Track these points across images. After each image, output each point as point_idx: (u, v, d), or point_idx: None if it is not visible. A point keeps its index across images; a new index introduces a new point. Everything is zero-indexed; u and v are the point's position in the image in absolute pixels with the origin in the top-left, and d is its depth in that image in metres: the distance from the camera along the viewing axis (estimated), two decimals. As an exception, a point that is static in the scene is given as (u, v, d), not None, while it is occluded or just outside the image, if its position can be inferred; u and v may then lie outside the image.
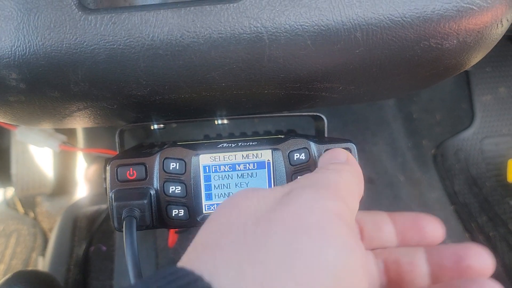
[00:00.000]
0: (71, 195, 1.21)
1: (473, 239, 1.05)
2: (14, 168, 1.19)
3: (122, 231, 0.39)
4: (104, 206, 0.89)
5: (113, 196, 0.40)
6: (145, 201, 0.39)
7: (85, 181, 1.07)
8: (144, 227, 0.40)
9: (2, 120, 0.48)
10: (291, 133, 0.58)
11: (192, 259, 0.26)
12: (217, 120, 0.52)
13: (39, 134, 0.79)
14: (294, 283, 0.23)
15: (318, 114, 0.53)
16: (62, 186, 1.23)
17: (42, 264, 1.08)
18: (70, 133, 1.05)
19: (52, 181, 1.20)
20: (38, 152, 1.19)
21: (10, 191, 1.26)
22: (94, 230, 0.84)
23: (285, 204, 0.28)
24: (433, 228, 0.39)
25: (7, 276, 0.54)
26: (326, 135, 0.53)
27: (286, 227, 0.26)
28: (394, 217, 0.39)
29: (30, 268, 0.85)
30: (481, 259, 0.34)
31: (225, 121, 0.53)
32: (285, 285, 0.23)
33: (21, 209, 1.25)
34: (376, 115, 1.15)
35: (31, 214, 1.25)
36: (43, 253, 1.17)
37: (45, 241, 1.19)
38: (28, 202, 1.26)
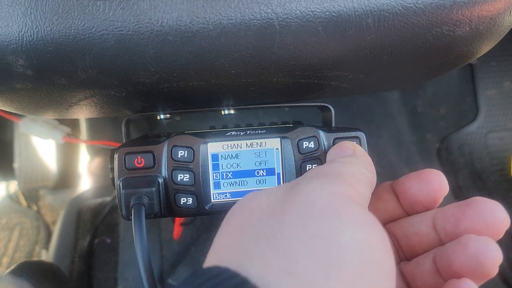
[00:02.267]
0: (74, 188, 1.21)
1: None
2: (17, 161, 1.19)
3: (130, 219, 0.39)
4: (108, 199, 0.88)
5: (121, 184, 0.40)
6: (154, 189, 0.39)
7: (88, 173, 1.06)
8: (152, 215, 0.40)
9: (7, 109, 0.48)
10: (297, 124, 0.58)
11: (216, 261, 0.26)
12: (224, 110, 0.52)
13: (43, 126, 0.78)
14: (320, 266, 0.23)
15: (325, 104, 0.53)
16: (65, 179, 1.22)
17: (46, 256, 1.08)
18: (73, 126, 1.05)
19: (55, 174, 1.20)
20: (41, 145, 1.19)
21: (13, 185, 1.26)
22: (98, 222, 0.83)
23: (294, 194, 0.29)
24: (418, 187, 0.37)
25: (13, 267, 0.54)
26: (333, 126, 0.53)
27: (299, 215, 0.26)
28: (393, 185, 0.39)
29: (35, 259, 0.85)
30: (479, 218, 0.32)
31: (232, 111, 0.52)
32: (311, 268, 0.23)
33: (24, 202, 1.25)
34: (381, 109, 1.14)
35: (34, 207, 1.25)
36: (46, 246, 1.17)
37: (48, 234, 1.19)
38: (31, 195, 1.26)
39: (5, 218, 1.20)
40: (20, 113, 0.63)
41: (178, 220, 0.76)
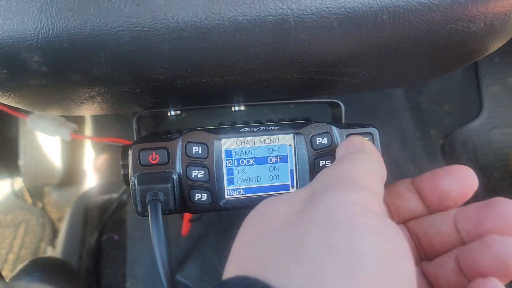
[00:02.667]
0: (79, 185, 1.21)
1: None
2: (22, 158, 1.19)
3: (145, 216, 0.39)
4: (115, 195, 0.89)
5: (136, 180, 0.40)
6: (169, 185, 0.39)
7: (94, 170, 1.07)
8: (167, 211, 0.40)
9: (18, 106, 0.48)
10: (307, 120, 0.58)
11: (237, 271, 0.26)
12: (234, 106, 0.52)
13: (50, 123, 0.78)
14: (342, 277, 0.23)
15: (335, 100, 0.53)
16: (70, 176, 1.23)
17: (52, 253, 1.08)
18: (78, 122, 1.05)
19: (60, 171, 1.20)
20: (46, 142, 1.19)
21: (18, 182, 1.26)
22: (105, 219, 0.84)
23: (311, 204, 0.29)
24: (449, 183, 0.37)
25: (24, 263, 0.54)
26: (343, 121, 0.53)
27: (318, 226, 0.26)
28: (416, 182, 0.39)
29: (46, 255, 0.85)
30: (501, 219, 0.32)
31: (242, 108, 0.52)
32: (333, 279, 0.23)
33: (29, 200, 1.25)
34: (385, 105, 1.15)
35: (39, 205, 1.25)
36: (51, 243, 1.17)
37: (54, 231, 1.19)
38: (36, 193, 1.26)
39: (10, 215, 1.20)
40: (29, 110, 0.63)
41: (187, 217, 0.77)
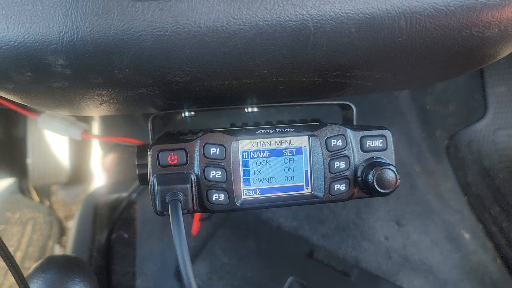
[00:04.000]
0: (86, 184, 1.22)
1: (486, 229, 1.06)
2: (30, 157, 1.20)
3: (164, 215, 0.40)
4: (124, 194, 0.90)
5: (155, 180, 0.41)
6: (188, 185, 0.40)
7: (102, 169, 1.07)
8: (186, 211, 0.41)
9: (37, 107, 0.49)
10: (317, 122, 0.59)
11: None
12: (248, 108, 0.53)
13: (61, 122, 0.79)
14: None
15: (346, 102, 0.54)
16: (78, 174, 1.23)
17: (59, 251, 1.09)
18: (86, 122, 1.06)
19: (68, 170, 1.21)
20: (54, 141, 1.19)
21: (26, 180, 1.27)
22: (115, 217, 0.85)
23: None
24: None
25: (40, 261, 0.55)
26: (354, 123, 0.54)
27: None
28: None
29: (61, 253, 0.86)
30: None
31: (255, 109, 0.53)
32: None
33: (36, 198, 1.26)
34: (391, 106, 1.15)
35: (47, 203, 1.26)
36: (59, 240, 1.18)
37: (61, 229, 1.20)
38: (44, 191, 1.27)
39: (18, 213, 1.21)
40: (45, 110, 0.64)
41: (197, 216, 0.78)
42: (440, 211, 0.99)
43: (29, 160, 1.20)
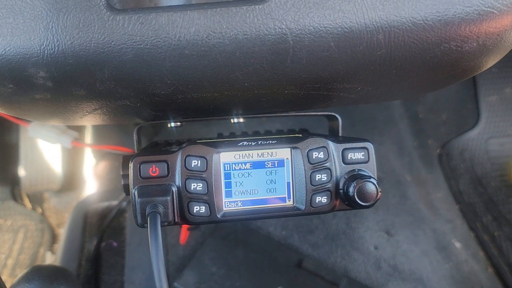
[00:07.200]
0: (78, 191, 1.22)
1: (478, 238, 1.06)
2: (23, 164, 1.20)
3: (145, 227, 0.40)
4: (114, 203, 0.89)
5: (136, 192, 0.41)
6: (168, 198, 0.40)
7: (94, 177, 1.07)
8: (166, 223, 0.41)
9: (23, 117, 0.49)
10: (304, 132, 0.59)
11: None
12: (233, 118, 0.53)
13: (51, 131, 0.79)
14: None
15: (332, 113, 0.54)
16: (70, 182, 1.23)
17: (51, 259, 1.09)
18: (78, 130, 1.06)
19: (60, 177, 1.21)
20: (46, 148, 1.19)
21: (18, 187, 1.27)
22: (104, 226, 0.84)
23: None
24: None
25: (25, 271, 0.54)
26: (340, 135, 0.54)
27: None
28: None
29: (46, 263, 0.86)
30: None
31: (241, 120, 0.53)
32: None
33: (28, 205, 1.26)
34: (383, 115, 1.16)
35: (39, 210, 1.26)
36: (50, 248, 1.17)
37: (53, 236, 1.20)
38: (36, 198, 1.27)
39: (10, 220, 1.21)
40: (34, 120, 0.64)
41: (185, 225, 0.77)
42: (431, 221, 0.99)
43: (22, 167, 1.20)
